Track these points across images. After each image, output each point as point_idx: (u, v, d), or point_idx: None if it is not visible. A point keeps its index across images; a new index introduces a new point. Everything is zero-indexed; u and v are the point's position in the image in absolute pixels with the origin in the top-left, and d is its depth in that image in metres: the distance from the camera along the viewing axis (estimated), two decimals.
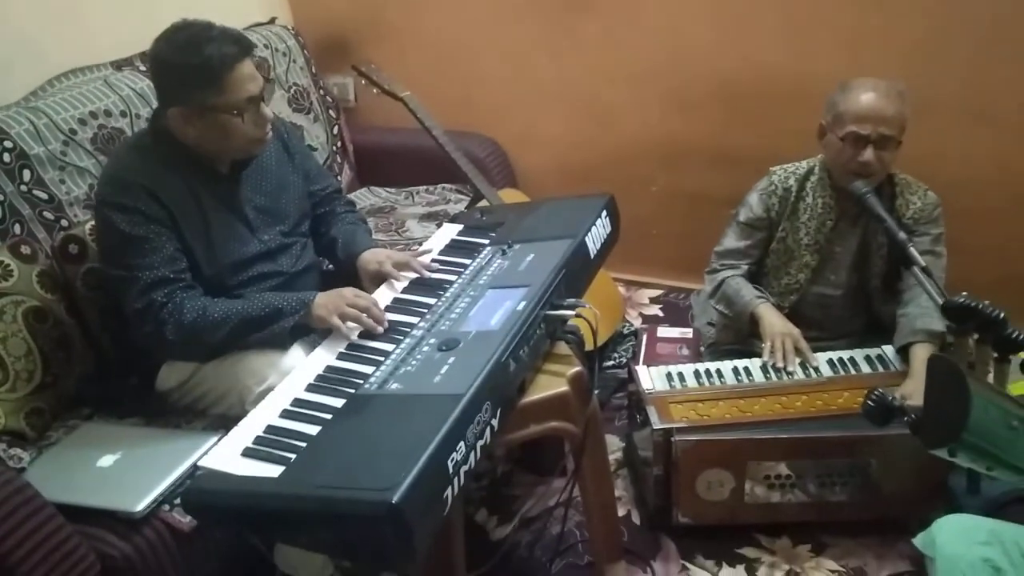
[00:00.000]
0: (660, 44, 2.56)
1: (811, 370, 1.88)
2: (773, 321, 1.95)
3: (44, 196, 1.88)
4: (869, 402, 1.01)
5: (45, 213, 1.88)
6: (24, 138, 1.87)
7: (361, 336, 1.56)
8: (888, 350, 1.91)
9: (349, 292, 1.61)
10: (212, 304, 1.61)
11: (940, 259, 1.93)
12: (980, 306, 0.93)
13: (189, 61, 1.53)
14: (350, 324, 1.55)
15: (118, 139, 2.03)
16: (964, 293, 1.25)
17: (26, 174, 1.86)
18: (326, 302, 1.59)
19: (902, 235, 1.72)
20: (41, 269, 1.78)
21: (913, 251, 1.68)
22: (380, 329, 1.55)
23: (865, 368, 1.88)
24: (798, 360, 1.89)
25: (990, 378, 0.98)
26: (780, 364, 1.87)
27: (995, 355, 0.93)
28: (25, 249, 1.77)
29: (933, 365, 0.90)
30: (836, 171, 1.92)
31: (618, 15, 2.56)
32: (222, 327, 1.59)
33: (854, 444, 1.72)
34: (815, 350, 1.94)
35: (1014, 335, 0.91)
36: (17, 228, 1.82)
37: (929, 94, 2.26)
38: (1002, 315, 0.91)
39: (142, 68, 2.21)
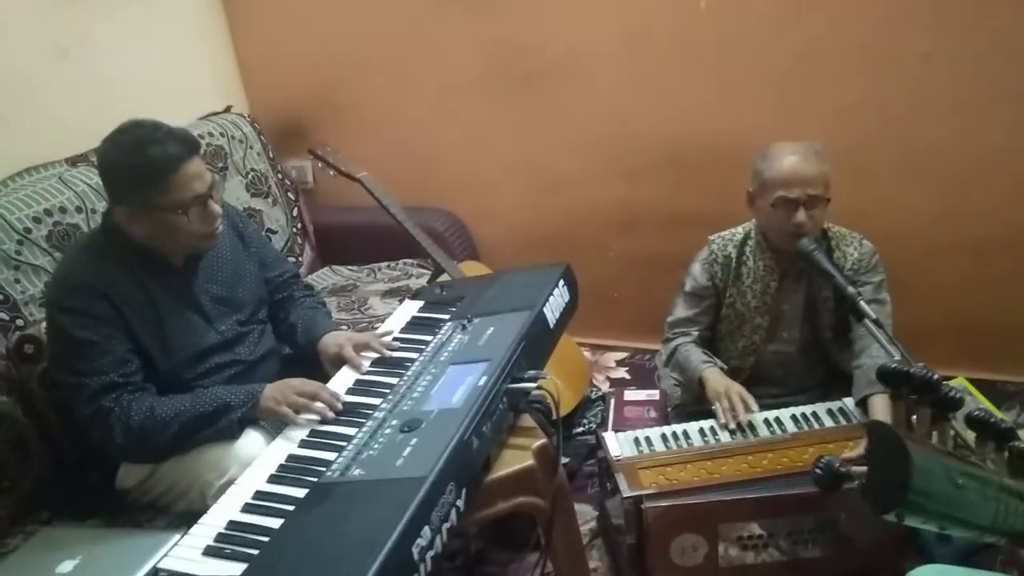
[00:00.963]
0: (608, 116, 2.63)
1: (775, 427, 1.90)
2: (716, 381, 1.97)
3: None
4: (817, 470, 1.03)
5: None
6: None
7: (324, 421, 1.55)
8: (849, 403, 1.93)
9: (297, 381, 1.62)
10: (159, 404, 1.60)
11: (885, 306, 1.97)
12: (912, 370, 0.95)
13: (133, 162, 1.56)
14: (303, 414, 1.55)
15: (74, 235, 2.03)
16: (896, 359, 1.29)
17: None
18: (274, 393, 1.60)
19: (851, 290, 1.77)
20: None
21: (863, 305, 1.72)
22: (330, 414, 1.55)
23: (828, 422, 1.90)
24: (751, 412, 1.90)
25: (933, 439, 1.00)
26: (731, 423, 1.88)
27: (933, 415, 0.95)
28: None
29: (872, 431, 0.92)
30: (772, 234, 1.98)
31: (567, 90, 2.64)
32: (170, 426, 1.58)
33: (822, 499, 1.72)
34: (778, 406, 1.97)
35: (949, 394, 0.93)
36: None
37: (865, 153, 2.37)
38: (935, 376, 0.93)
39: (96, 163, 2.22)
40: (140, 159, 1.55)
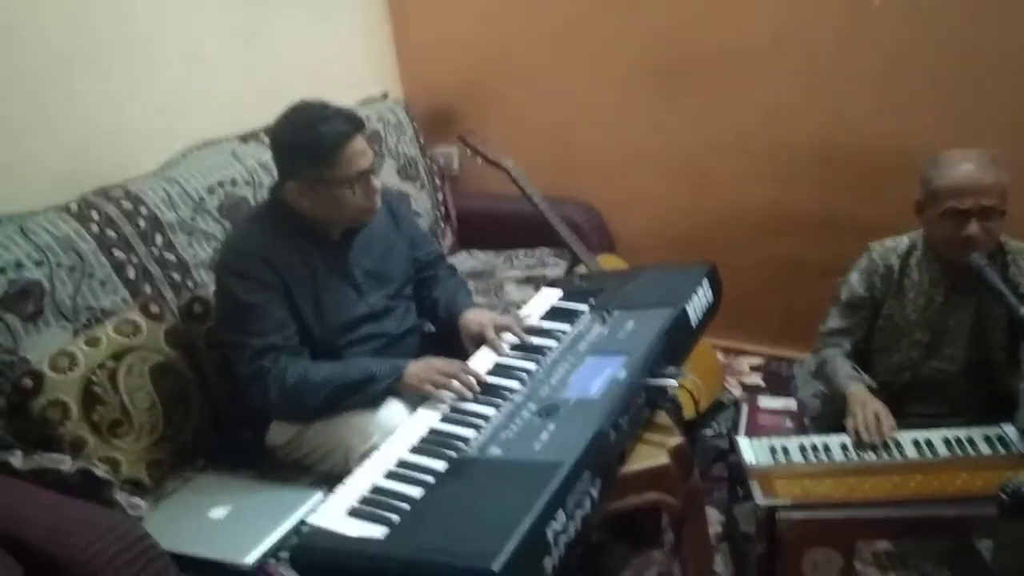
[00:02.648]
0: (761, 114, 2.56)
1: (926, 449, 1.79)
2: (858, 398, 1.87)
3: (173, 259, 2.02)
4: (1003, 495, 0.96)
5: (173, 275, 2.01)
6: (158, 205, 2.02)
7: (464, 400, 1.60)
8: (1010, 430, 1.80)
9: (439, 361, 1.68)
10: (313, 368, 1.70)
11: None
12: None
13: (304, 139, 1.66)
14: (443, 393, 1.60)
15: (242, 206, 2.17)
16: None
17: (158, 238, 2.00)
18: (417, 371, 1.66)
19: (1023, 310, 1.64)
20: (168, 327, 1.90)
21: None
22: (469, 395, 1.59)
23: (985, 449, 1.77)
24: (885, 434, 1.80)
25: None
26: (865, 439, 1.80)
27: None
28: (154, 308, 1.90)
29: None
30: (940, 246, 1.86)
31: (718, 86, 2.59)
32: (321, 390, 1.67)
33: (971, 523, 1.62)
34: (930, 427, 1.85)
35: None
36: (147, 288, 1.96)
37: None
38: None
39: (265, 141, 2.36)
40: (311, 135, 1.64)
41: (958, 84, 2.28)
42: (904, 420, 1.88)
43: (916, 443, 1.81)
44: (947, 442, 1.80)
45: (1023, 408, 1.77)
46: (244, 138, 2.35)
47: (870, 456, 1.79)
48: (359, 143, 1.69)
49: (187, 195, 2.08)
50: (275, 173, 1.81)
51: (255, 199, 2.20)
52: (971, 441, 1.80)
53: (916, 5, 2.26)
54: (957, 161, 1.78)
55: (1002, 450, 1.77)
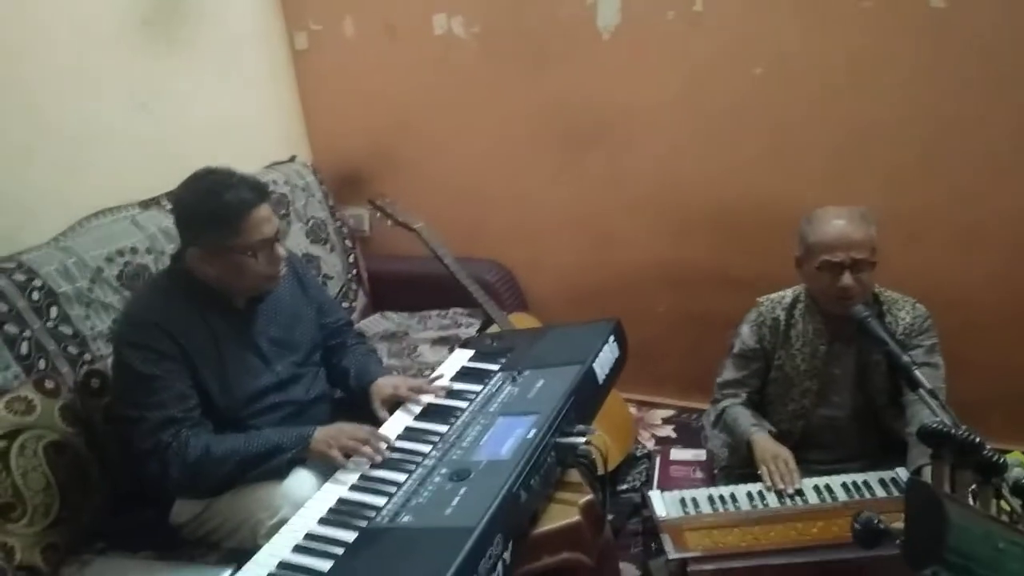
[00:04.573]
0: (660, 174, 2.67)
1: (826, 494, 1.86)
2: (764, 447, 1.95)
3: (69, 332, 1.95)
4: (856, 525, 1.03)
5: (69, 348, 1.94)
6: (53, 276, 1.95)
7: (374, 466, 1.58)
8: (902, 472, 1.89)
9: (348, 426, 1.66)
10: (215, 442, 1.66)
11: (938, 369, 1.93)
12: (954, 432, 0.95)
13: (208, 206, 1.65)
14: (353, 458, 1.59)
15: (143, 275, 2.11)
16: (937, 419, 1.27)
17: (53, 311, 1.93)
18: (325, 437, 1.64)
19: (905, 358, 1.73)
20: (63, 403, 1.83)
21: (918, 375, 1.69)
22: (379, 458, 1.58)
23: (880, 492, 1.86)
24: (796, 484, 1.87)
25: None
26: (780, 487, 1.86)
27: (978, 478, 0.94)
28: (49, 384, 1.83)
29: (910, 489, 0.93)
30: (820, 298, 1.97)
31: (620, 149, 2.69)
32: (223, 465, 1.63)
33: (869, 567, 1.68)
34: (830, 472, 1.93)
35: (992, 458, 0.93)
36: (42, 363, 1.88)
37: (918, 220, 2.35)
38: (977, 439, 0.93)
39: (168, 207, 2.32)
40: (215, 203, 1.64)
41: (840, 148, 2.44)
42: (803, 467, 1.96)
43: (816, 489, 1.88)
44: (845, 487, 1.88)
45: (911, 452, 1.87)
46: (144, 204, 2.31)
47: (775, 504, 1.85)
48: (263, 211, 1.69)
49: (84, 265, 2.02)
50: (177, 240, 1.78)
51: (156, 267, 2.15)
52: (867, 485, 1.88)
53: (796, 77, 2.42)
54: (829, 217, 1.90)
55: (896, 492, 1.86)
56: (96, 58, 2.28)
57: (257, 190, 1.69)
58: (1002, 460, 0.96)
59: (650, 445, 2.70)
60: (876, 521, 1.01)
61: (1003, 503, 1.02)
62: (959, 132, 2.31)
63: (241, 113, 2.78)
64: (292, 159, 2.87)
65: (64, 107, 2.20)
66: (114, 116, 2.34)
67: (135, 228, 2.20)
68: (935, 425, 1.02)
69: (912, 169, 2.38)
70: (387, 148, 3.01)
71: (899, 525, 0.97)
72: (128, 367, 1.66)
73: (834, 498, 1.85)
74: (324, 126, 3.07)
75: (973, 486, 1.00)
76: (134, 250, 2.15)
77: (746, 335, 2.09)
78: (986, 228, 2.37)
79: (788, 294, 2.07)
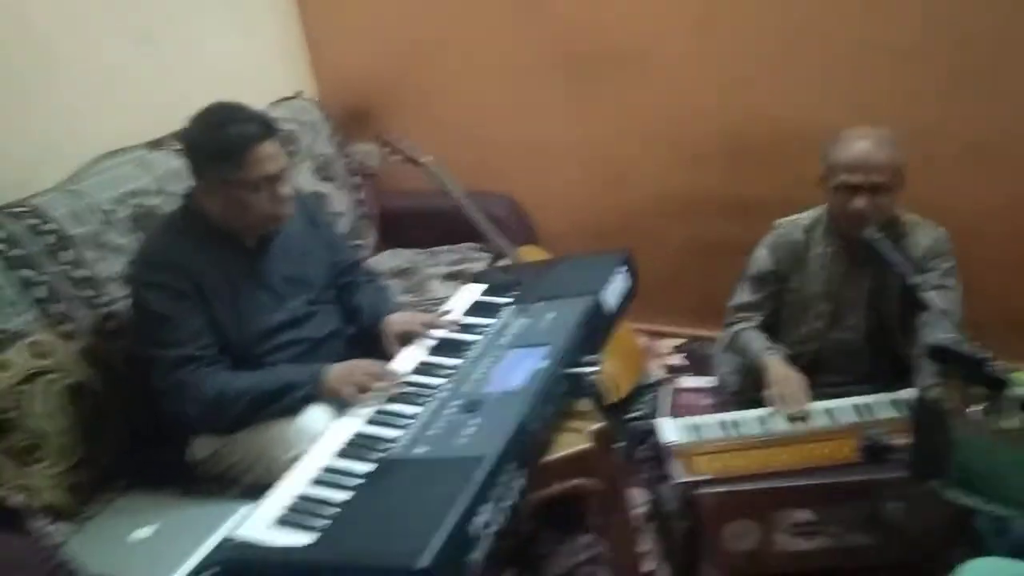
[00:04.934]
0: (671, 101, 2.62)
1: (835, 416, 1.88)
2: (778, 370, 1.96)
3: (84, 275, 1.96)
4: (864, 443, 1.05)
5: (85, 291, 1.95)
6: (66, 220, 1.95)
7: (388, 400, 1.61)
8: (911, 393, 1.90)
9: (362, 362, 1.69)
10: (231, 379, 1.69)
11: (952, 291, 1.93)
12: (959, 348, 0.96)
13: (212, 139, 1.66)
14: (363, 395, 1.61)
15: (153, 216, 2.11)
16: (945, 336, 1.28)
17: (67, 254, 1.94)
18: (338, 375, 1.66)
19: (916, 279, 1.74)
20: (81, 346, 1.85)
21: (928, 295, 1.70)
22: (393, 392, 1.60)
23: (889, 413, 1.86)
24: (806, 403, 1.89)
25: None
26: (785, 409, 1.88)
27: (983, 394, 0.96)
28: (66, 327, 1.85)
29: (917, 405, 0.94)
30: (835, 219, 1.96)
31: (630, 76, 2.64)
32: (239, 401, 1.66)
33: (875, 486, 1.71)
34: (840, 395, 1.95)
35: (995, 374, 0.94)
36: (58, 306, 1.89)
37: (932, 139, 2.31)
38: (983, 355, 0.94)
39: (176, 147, 2.31)
40: (218, 135, 1.64)
41: (852, 66, 2.38)
42: (814, 390, 1.98)
43: (826, 411, 1.90)
44: (856, 408, 1.89)
45: (920, 373, 1.88)
46: (152, 146, 2.29)
47: (784, 427, 1.88)
48: (269, 147, 1.68)
49: (95, 208, 2.02)
50: (187, 180, 1.78)
51: (167, 208, 2.13)
52: (876, 406, 1.89)
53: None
54: (854, 139, 1.87)
55: (905, 413, 1.86)
56: None
57: (264, 125, 1.69)
58: (1006, 376, 0.96)
59: (661, 374, 2.72)
60: (883, 438, 1.03)
61: (1009, 421, 1.03)
62: (978, 50, 2.25)
63: (246, 49, 2.74)
64: (298, 95, 2.84)
65: (68, 46, 2.17)
66: (118, 55, 2.31)
67: (143, 170, 2.19)
68: (941, 341, 1.02)
69: (928, 88, 2.32)
70: (394, 83, 2.97)
71: (906, 442, 0.98)
72: (145, 307, 1.69)
73: (844, 420, 1.87)
74: (330, 61, 3.02)
75: (981, 405, 1.01)
76: (144, 191, 2.14)
77: (762, 258, 2.08)
78: (997, 146, 2.32)
79: (807, 216, 2.05)
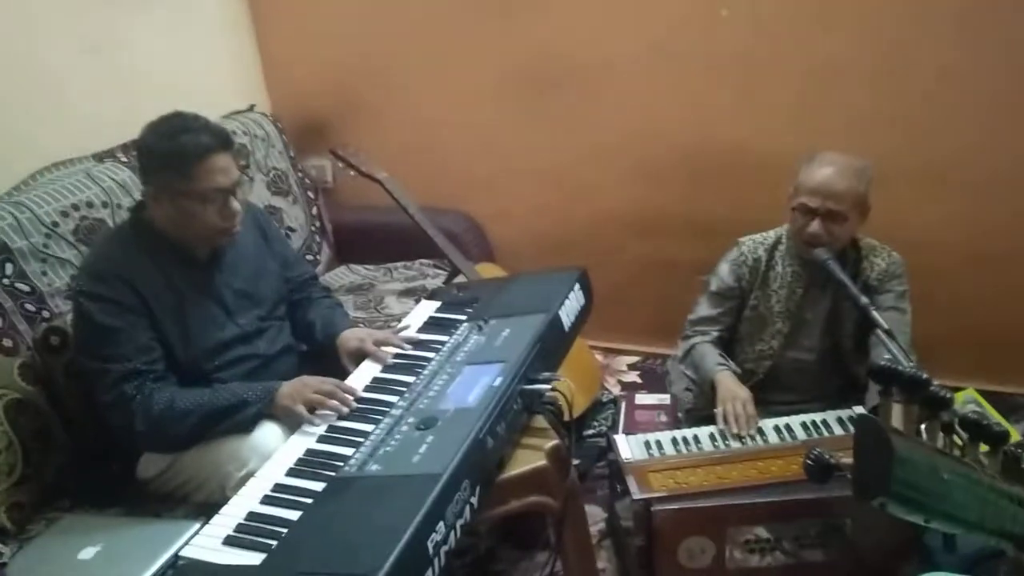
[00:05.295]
0: (627, 121, 2.66)
1: (786, 434, 1.91)
2: (727, 387, 1.99)
3: (26, 288, 1.91)
4: (808, 461, 1.06)
5: (27, 305, 1.90)
6: (7, 232, 1.90)
7: (341, 418, 1.58)
8: (859, 411, 1.95)
9: (313, 379, 1.65)
10: (180, 395, 1.65)
11: (904, 315, 1.98)
12: (902, 368, 0.98)
13: (165, 146, 1.64)
14: (319, 411, 1.59)
15: (99, 229, 2.06)
16: (888, 357, 1.31)
17: (8, 268, 1.89)
18: (290, 391, 1.63)
19: (864, 299, 1.79)
20: (22, 361, 1.80)
21: (875, 314, 1.74)
22: (345, 410, 1.58)
23: (838, 430, 1.91)
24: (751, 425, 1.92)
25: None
26: (734, 430, 1.91)
27: (926, 413, 0.98)
28: (6, 342, 1.80)
29: (859, 424, 0.96)
30: (793, 237, 2.00)
31: (587, 95, 2.67)
32: (189, 418, 1.63)
33: (827, 503, 1.75)
34: (791, 412, 1.99)
35: (938, 394, 0.97)
36: None
37: (884, 162, 2.37)
38: (924, 376, 0.97)
39: (123, 159, 2.26)
40: (171, 144, 1.62)
41: (807, 92, 2.44)
42: (766, 408, 2.01)
43: (777, 428, 1.93)
44: (804, 426, 1.93)
45: (869, 392, 1.92)
46: (99, 157, 2.25)
47: (736, 444, 1.90)
48: (221, 160, 1.66)
49: (38, 220, 1.97)
50: (133, 193, 1.75)
51: (114, 221, 2.10)
52: (826, 423, 1.94)
53: (763, 18, 2.40)
54: (822, 164, 1.91)
55: (853, 430, 1.91)
56: (44, 1, 2.20)
57: (219, 138, 1.67)
58: (948, 395, 0.99)
59: (616, 391, 2.74)
60: (827, 456, 1.05)
61: (954, 437, 1.06)
62: (922, 81, 2.33)
63: (197, 61, 2.70)
64: (251, 108, 2.81)
65: (12, 54, 2.12)
66: (64, 64, 2.26)
67: (90, 181, 2.14)
68: (884, 362, 1.05)
69: (877, 112, 2.39)
70: (349, 97, 2.96)
71: (849, 460, 1.00)
72: (89, 319, 1.64)
73: (794, 437, 1.91)
74: (283, 74, 2.99)
75: (924, 423, 1.03)
76: (90, 204, 2.09)
77: (724, 273, 2.10)
78: (947, 170, 2.40)
79: (771, 235, 2.08)
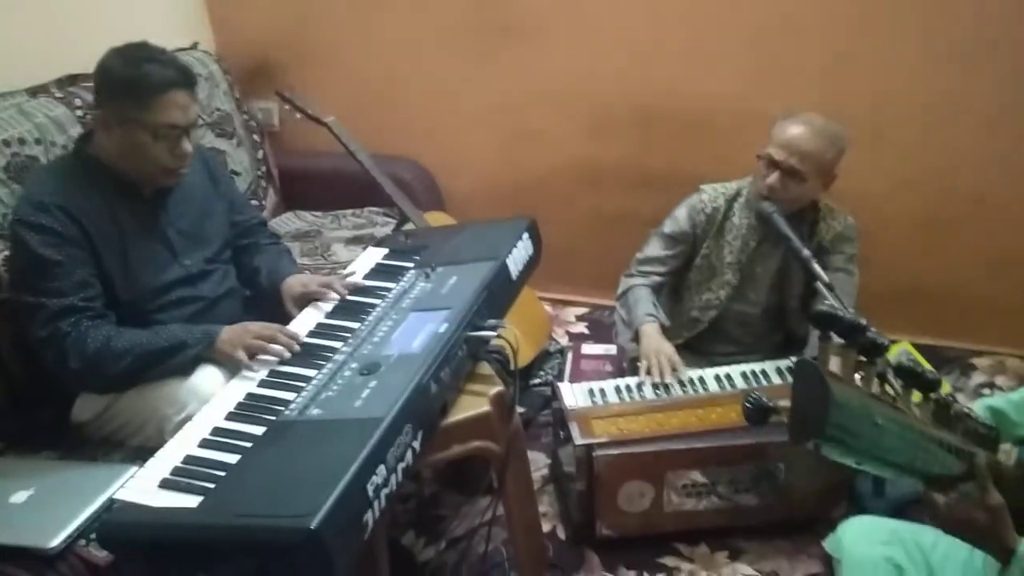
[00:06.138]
0: (579, 72, 2.63)
1: (725, 383, 1.95)
2: (648, 340, 2.01)
3: None
4: (747, 404, 1.09)
5: None
6: None
7: (283, 363, 1.57)
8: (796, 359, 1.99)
9: (255, 325, 1.63)
10: (117, 334, 1.61)
11: (852, 276, 2.02)
12: (841, 314, 1.00)
13: (127, 72, 1.59)
14: (259, 357, 1.57)
15: (32, 167, 1.98)
16: (827, 302, 1.34)
17: None
18: (231, 336, 1.61)
19: (806, 252, 1.82)
20: None
21: (816, 267, 1.78)
22: (287, 354, 1.56)
23: (776, 379, 1.96)
24: (677, 376, 1.96)
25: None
26: (656, 380, 1.94)
27: (862, 359, 1.00)
28: None
29: (797, 367, 0.98)
30: (751, 188, 2.01)
31: (539, 44, 2.63)
32: (124, 358, 1.59)
33: (762, 449, 1.81)
34: (731, 363, 2.03)
35: (875, 339, 0.99)
36: None
37: (835, 120, 2.39)
38: (863, 322, 0.99)
39: (58, 94, 2.17)
40: (135, 71, 1.58)
41: (757, 48, 2.44)
42: (707, 358, 2.05)
43: (717, 378, 1.97)
44: (744, 375, 1.98)
45: (810, 342, 1.96)
46: (32, 92, 2.14)
47: (677, 392, 1.94)
48: (181, 97, 1.62)
49: None
50: (69, 127, 1.67)
51: (47, 158, 2.02)
52: (764, 373, 1.99)
53: None
54: (797, 121, 1.91)
55: (791, 379, 1.96)
56: None
57: (183, 74, 1.63)
58: (885, 341, 1.01)
59: (564, 341, 2.76)
60: (765, 399, 1.07)
61: (887, 385, 1.08)
62: (871, 39, 2.35)
63: None
64: (194, 46, 2.70)
65: None
66: None
67: (22, 117, 2.04)
68: (824, 307, 1.07)
69: (826, 73, 2.40)
70: (296, 38, 2.87)
71: (787, 404, 1.02)
72: (26, 250, 1.58)
73: (733, 386, 1.95)
74: (229, 12, 2.88)
75: (860, 372, 1.06)
76: (22, 140, 2.00)
77: (682, 217, 2.11)
78: (889, 132, 2.43)
79: (733, 185, 2.09)
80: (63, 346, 1.57)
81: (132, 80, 1.58)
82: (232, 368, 1.59)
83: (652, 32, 2.52)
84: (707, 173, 2.14)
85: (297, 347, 1.58)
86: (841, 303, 1.70)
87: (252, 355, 1.57)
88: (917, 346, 2.32)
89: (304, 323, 1.71)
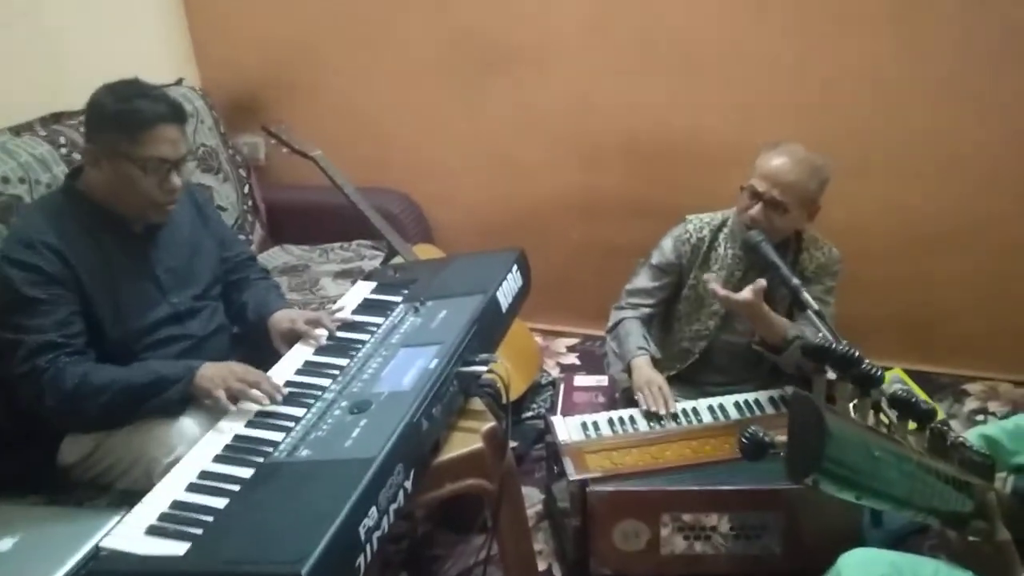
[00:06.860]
0: (569, 103, 2.65)
1: (719, 413, 1.94)
2: (640, 372, 2.01)
3: None
4: (743, 439, 1.07)
5: None
6: None
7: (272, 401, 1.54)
8: (791, 390, 1.98)
9: (239, 367, 1.60)
10: (95, 370, 1.58)
11: (828, 308, 2.01)
12: (835, 346, 0.99)
13: (117, 106, 1.61)
14: (240, 402, 1.53)
15: (16, 206, 1.97)
16: (820, 335, 1.33)
17: None
18: (212, 374, 1.58)
19: (795, 280, 1.82)
20: None
21: (806, 296, 1.77)
22: (267, 402, 1.52)
23: (770, 409, 1.95)
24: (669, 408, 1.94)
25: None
26: (655, 409, 1.93)
27: (857, 391, 1.00)
28: None
29: (793, 402, 0.96)
30: (735, 218, 2.01)
31: (527, 77, 2.65)
32: (103, 393, 1.56)
33: (766, 495, 1.75)
34: (723, 394, 2.01)
35: (869, 371, 0.98)
36: None
37: (818, 151, 2.42)
38: (856, 353, 0.98)
39: (42, 133, 2.16)
40: (126, 105, 1.60)
41: (746, 82, 2.47)
42: (699, 389, 2.03)
43: (710, 408, 1.96)
44: (737, 405, 1.96)
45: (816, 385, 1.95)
46: (15, 130, 2.14)
47: (670, 424, 1.92)
48: (171, 131, 1.64)
49: None
50: (54, 165, 1.66)
51: (32, 197, 2.00)
52: (758, 403, 1.97)
53: (705, 10, 2.41)
54: (781, 152, 1.92)
55: (784, 409, 1.95)
56: None
57: (174, 109, 1.65)
58: (880, 372, 1.00)
59: (555, 373, 2.74)
60: (762, 434, 1.06)
61: (882, 415, 1.07)
62: (854, 72, 2.38)
63: (121, 32, 2.59)
64: (179, 82, 2.70)
65: None
66: None
67: (6, 155, 2.03)
68: (817, 341, 1.06)
69: (812, 105, 2.43)
70: (282, 74, 2.88)
71: (784, 438, 1.01)
72: (9, 287, 1.56)
73: (727, 416, 1.93)
74: (213, 47, 2.90)
75: (854, 400, 1.05)
76: (6, 179, 1.99)
77: (667, 248, 2.11)
78: (876, 160, 2.45)
79: (718, 216, 2.09)
80: (40, 382, 1.54)
81: (122, 114, 1.59)
82: (220, 411, 1.56)
83: (636, 64, 2.54)
84: (697, 204, 2.14)
85: (280, 398, 1.54)
86: (833, 332, 1.69)
87: (233, 399, 1.54)
88: (909, 373, 2.31)
89: (292, 360, 1.69)
